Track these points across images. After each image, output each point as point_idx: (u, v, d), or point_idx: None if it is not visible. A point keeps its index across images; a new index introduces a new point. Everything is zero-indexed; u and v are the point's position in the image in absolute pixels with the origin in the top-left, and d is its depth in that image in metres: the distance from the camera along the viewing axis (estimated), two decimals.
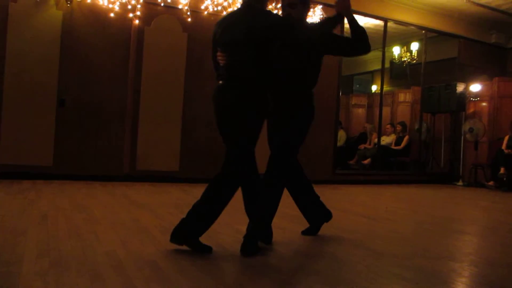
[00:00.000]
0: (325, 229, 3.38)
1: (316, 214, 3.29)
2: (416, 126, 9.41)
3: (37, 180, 5.50)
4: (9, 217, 3.31)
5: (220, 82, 2.71)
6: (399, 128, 9.52)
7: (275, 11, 6.48)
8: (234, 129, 2.72)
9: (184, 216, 2.65)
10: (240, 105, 2.65)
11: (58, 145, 5.74)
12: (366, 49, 2.90)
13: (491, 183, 8.02)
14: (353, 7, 8.64)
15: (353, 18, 2.90)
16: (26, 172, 5.57)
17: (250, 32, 2.62)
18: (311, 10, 3.05)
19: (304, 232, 3.30)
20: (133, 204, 4.35)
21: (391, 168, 9.06)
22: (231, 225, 3.38)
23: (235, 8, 5.96)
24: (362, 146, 9.70)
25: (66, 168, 5.79)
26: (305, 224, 3.36)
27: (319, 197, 3.29)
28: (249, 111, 2.66)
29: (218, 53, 2.72)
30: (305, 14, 2.97)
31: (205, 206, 2.66)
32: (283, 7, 2.92)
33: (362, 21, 8.99)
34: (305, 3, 2.95)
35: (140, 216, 3.72)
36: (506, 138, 8.22)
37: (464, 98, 8.81)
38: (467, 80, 8.97)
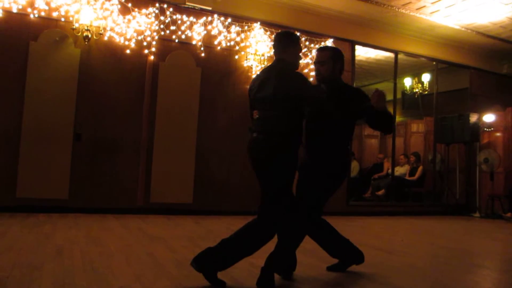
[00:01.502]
0: None
1: (346, 254, 3.23)
2: (430, 157, 9.35)
3: (53, 213, 5.55)
4: (25, 251, 3.34)
5: (254, 134, 2.84)
6: (412, 158, 9.48)
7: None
8: (266, 180, 2.82)
9: (208, 245, 2.69)
10: (270, 158, 2.76)
11: (73, 178, 5.82)
12: (389, 131, 3.26)
13: (508, 214, 7.87)
14: (365, 40, 8.80)
15: (385, 111, 2.97)
16: (42, 205, 5.63)
17: (280, 90, 2.73)
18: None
19: (330, 268, 3.25)
20: (147, 237, 4.35)
21: (406, 199, 8.97)
22: (246, 258, 3.35)
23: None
24: (376, 175, 9.64)
25: (81, 201, 5.85)
26: (320, 258, 3.32)
27: (346, 239, 3.25)
28: (278, 164, 2.75)
29: (254, 111, 2.91)
30: (336, 71, 3.05)
31: (235, 244, 2.72)
32: (314, 64, 3.09)
33: (373, 53, 9.14)
34: (336, 60, 3.04)
35: (154, 249, 3.72)
36: None
37: (477, 128, 8.77)
38: (480, 110, 8.95)
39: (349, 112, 2.95)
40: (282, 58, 2.89)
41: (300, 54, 3.01)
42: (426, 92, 9.98)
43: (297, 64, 2.96)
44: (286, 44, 2.92)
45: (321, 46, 3.11)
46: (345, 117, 2.97)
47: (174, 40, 6.42)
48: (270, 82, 2.78)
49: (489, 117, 8.94)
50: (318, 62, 3.06)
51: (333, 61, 3.02)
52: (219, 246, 2.68)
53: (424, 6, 7.35)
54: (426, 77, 9.96)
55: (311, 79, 5.86)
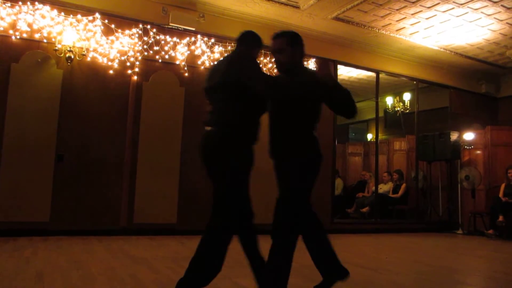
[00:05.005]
0: None
1: (330, 269, 3.02)
2: (413, 174, 9.46)
3: (34, 237, 5.44)
4: (5, 277, 3.26)
5: (206, 128, 2.74)
6: (395, 176, 9.57)
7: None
8: (216, 176, 2.70)
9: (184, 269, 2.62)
10: (220, 151, 2.64)
11: (55, 200, 5.72)
12: (353, 113, 2.77)
13: (490, 231, 7.96)
14: (347, 60, 8.91)
15: (336, 84, 2.73)
16: (22, 229, 5.52)
17: (228, 77, 2.64)
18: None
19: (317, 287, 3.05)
20: (130, 258, 4.29)
21: (390, 217, 9.03)
22: (230, 278, 3.33)
23: None
24: (360, 195, 9.70)
25: (62, 223, 5.75)
26: (306, 276, 3.31)
27: (334, 252, 3.04)
28: (229, 157, 2.62)
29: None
30: (296, 57, 2.79)
31: (201, 259, 2.59)
32: (272, 53, 2.86)
33: (355, 72, 9.29)
34: (294, 45, 2.78)
35: (137, 271, 3.67)
36: (503, 186, 8.26)
37: (458, 146, 8.93)
38: (460, 129, 9.13)
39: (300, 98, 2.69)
40: (236, 49, 2.87)
41: (259, 51, 2.98)
42: (407, 111, 10.16)
43: (254, 56, 2.88)
44: (248, 41, 2.90)
45: (276, 32, 2.85)
46: (296, 103, 2.69)
47: (157, 60, 6.45)
48: (220, 70, 2.71)
49: (469, 135, 9.11)
50: (275, 51, 2.79)
51: (291, 47, 2.75)
52: (189, 265, 2.59)
53: (403, 28, 7.52)
54: (407, 96, 10.14)
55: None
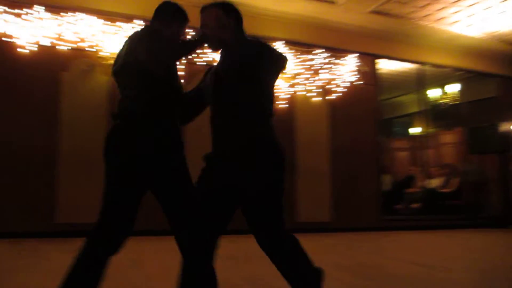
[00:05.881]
0: (381, 279, 3.26)
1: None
2: (464, 168, 9.13)
3: None
4: None
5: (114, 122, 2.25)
6: (446, 170, 9.27)
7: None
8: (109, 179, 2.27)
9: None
10: (117, 150, 2.22)
11: None
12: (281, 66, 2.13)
13: None
14: (387, 53, 8.62)
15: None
16: (81, 229, 5.67)
17: (125, 59, 2.15)
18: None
19: None
20: None
21: (442, 212, 8.72)
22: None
23: None
24: (409, 190, 9.45)
25: None
26: (356, 273, 3.24)
27: None
28: (121, 158, 2.20)
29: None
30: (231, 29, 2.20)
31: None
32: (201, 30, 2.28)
33: (396, 65, 9.07)
34: (229, 15, 2.20)
35: None
36: None
37: (509, 137, 8.54)
38: (510, 119, 8.72)
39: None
40: (149, 26, 2.32)
41: (177, 26, 2.31)
42: (454, 102, 9.81)
43: (164, 33, 2.24)
44: (165, 14, 2.29)
45: (203, 5, 2.24)
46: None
47: (195, 63, 6.48)
48: (123, 51, 2.18)
49: None
50: (204, 26, 2.23)
51: (227, 17, 2.19)
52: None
53: (444, 17, 7.29)
54: (452, 87, 9.80)
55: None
